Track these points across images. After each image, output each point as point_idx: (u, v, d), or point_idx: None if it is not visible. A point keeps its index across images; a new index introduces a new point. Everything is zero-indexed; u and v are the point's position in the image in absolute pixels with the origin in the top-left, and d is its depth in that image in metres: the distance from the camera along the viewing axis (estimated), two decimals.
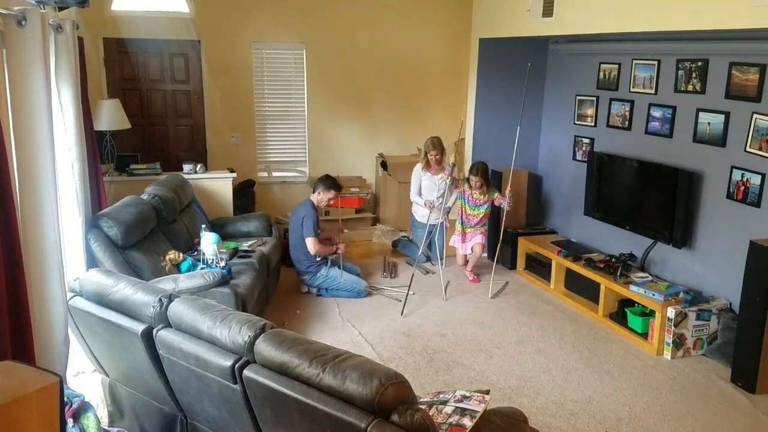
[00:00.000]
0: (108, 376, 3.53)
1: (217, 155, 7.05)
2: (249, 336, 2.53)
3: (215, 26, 6.78)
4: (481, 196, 5.89)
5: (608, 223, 5.53)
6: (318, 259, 5.51)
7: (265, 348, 2.46)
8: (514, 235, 6.22)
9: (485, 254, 6.66)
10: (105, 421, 3.55)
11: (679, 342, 4.46)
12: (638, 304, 4.77)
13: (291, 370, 2.35)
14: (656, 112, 5.09)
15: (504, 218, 5.84)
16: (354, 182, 7.39)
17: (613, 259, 5.15)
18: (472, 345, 4.65)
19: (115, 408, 3.53)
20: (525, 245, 6.12)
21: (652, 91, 5.11)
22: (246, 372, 2.47)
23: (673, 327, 4.42)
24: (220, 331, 2.62)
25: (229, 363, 2.53)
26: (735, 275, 4.26)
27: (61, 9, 3.81)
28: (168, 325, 2.89)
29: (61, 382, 1.90)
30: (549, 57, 6.38)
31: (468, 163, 6.66)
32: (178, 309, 2.85)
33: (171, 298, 2.96)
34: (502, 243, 6.37)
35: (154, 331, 2.87)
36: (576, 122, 6.04)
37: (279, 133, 7.41)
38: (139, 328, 2.91)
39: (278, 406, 2.40)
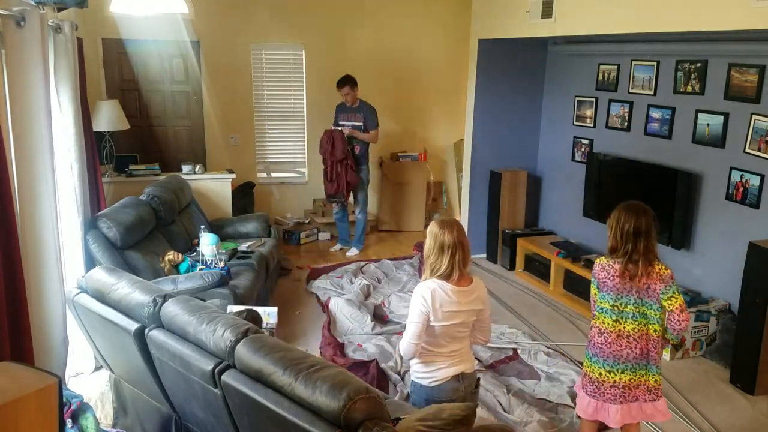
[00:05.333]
0: (113, 372, 3.54)
1: (216, 156, 7.05)
2: (230, 340, 2.50)
3: (214, 27, 6.78)
4: None
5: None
6: None
7: (244, 353, 2.42)
8: (513, 236, 6.22)
9: (484, 254, 6.66)
10: (110, 418, 3.56)
11: (678, 343, 4.46)
12: None
13: (266, 378, 2.31)
14: (655, 113, 5.10)
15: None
16: None
17: None
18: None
19: (120, 405, 3.54)
20: (524, 246, 6.12)
21: (651, 92, 5.11)
22: (224, 377, 2.44)
23: None
24: (205, 334, 2.60)
25: (210, 367, 2.50)
26: (734, 276, 4.26)
27: (60, 10, 3.81)
28: (161, 325, 2.88)
29: (60, 383, 1.89)
30: (548, 58, 6.38)
31: (467, 164, 6.66)
32: (170, 309, 2.84)
33: (165, 298, 2.95)
34: (501, 244, 6.39)
35: (146, 330, 2.86)
36: (575, 123, 6.05)
37: (278, 134, 7.41)
38: (133, 327, 2.90)
39: (254, 414, 2.36)
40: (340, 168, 6.31)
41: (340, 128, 6.36)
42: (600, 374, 2.96)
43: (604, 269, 2.93)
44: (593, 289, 3.02)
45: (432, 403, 2.69)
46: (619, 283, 2.88)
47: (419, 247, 6.42)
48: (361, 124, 6.36)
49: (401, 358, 4.05)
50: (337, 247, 6.81)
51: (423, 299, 2.62)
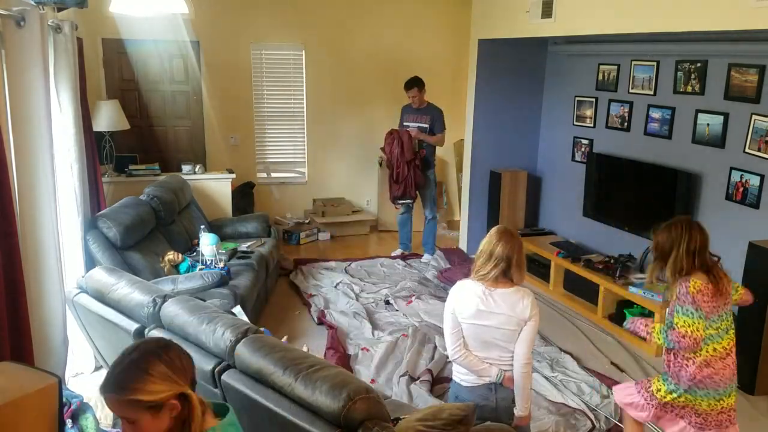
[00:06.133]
0: None
1: (216, 156, 7.05)
2: (230, 340, 2.51)
3: (214, 27, 6.78)
4: None
5: (607, 224, 5.53)
6: None
7: (244, 353, 2.43)
8: None
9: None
10: (110, 418, 3.55)
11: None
12: (637, 305, 4.77)
13: (266, 378, 2.31)
14: (655, 113, 5.09)
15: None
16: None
17: (611, 261, 5.15)
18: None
19: None
20: (523, 246, 6.10)
21: (651, 92, 5.11)
22: (224, 377, 2.45)
23: None
24: (205, 334, 2.60)
25: (210, 367, 2.51)
26: (734, 276, 4.23)
27: (60, 10, 3.81)
28: (160, 325, 2.88)
29: (60, 383, 1.90)
30: (548, 58, 6.38)
31: (467, 164, 6.66)
32: (170, 310, 2.84)
33: (165, 298, 2.95)
34: None
35: (146, 331, 2.87)
36: (575, 123, 6.05)
37: (278, 134, 7.41)
38: (133, 327, 2.90)
39: (253, 413, 2.37)
40: (408, 169, 6.11)
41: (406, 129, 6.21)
42: (709, 405, 2.77)
43: (702, 292, 2.70)
44: (698, 322, 2.69)
45: (461, 402, 2.69)
46: (713, 301, 2.72)
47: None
48: (427, 126, 6.22)
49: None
50: (398, 251, 6.62)
51: (450, 296, 2.69)
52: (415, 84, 6.14)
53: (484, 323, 2.61)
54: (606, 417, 3.69)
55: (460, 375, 2.74)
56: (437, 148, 6.42)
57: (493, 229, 2.71)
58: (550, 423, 3.59)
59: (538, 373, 4.15)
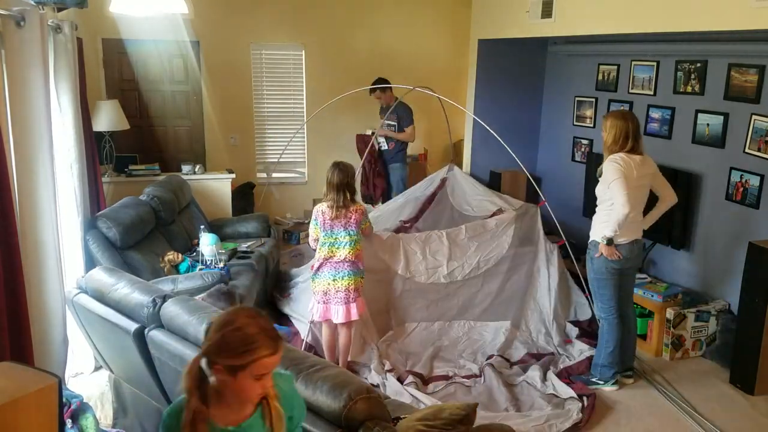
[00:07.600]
0: (113, 372, 3.54)
1: (216, 156, 7.04)
2: None
3: (214, 27, 6.78)
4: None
5: None
6: None
7: None
8: None
9: None
10: (110, 418, 3.56)
11: (677, 343, 4.46)
12: (637, 305, 4.76)
13: None
14: (655, 113, 5.10)
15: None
16: None
17: None
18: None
19: (119, 405, 3.54)
20: None
21: (651, 93, 5.12)
22: None
23: (671, 328, 4.42)
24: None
25: None
26: (734, 276, 4.26)
27: (59, 10, 3.82)
28: (160, 325, 2.88)
29: (60, 383, 1.90)
30: (548, 58, 6.39)
31: (467, 164, 6.66)
32: (170, 310, 2.84)
33: (165, 298, 2.95)
34: None
35: (146, 331, 2.86)
36: (575, 123, 6.05)
37: (278, 134, 7.41)
38: (132, 327, 2.90)
39: None
40: (368, 171, 6.47)
41: (370, 132, 6.49)
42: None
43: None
44: None
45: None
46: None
47: None
48: (395, 123, 6.41)
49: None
50: None
51: (616, 162, 3.72)
52: (375, 89, 6.41)
53: (638, 187, 3.80)
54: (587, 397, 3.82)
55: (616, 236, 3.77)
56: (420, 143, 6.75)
57: (610, 117, 3.84)
58: (543, 415, 3.63)
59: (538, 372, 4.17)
